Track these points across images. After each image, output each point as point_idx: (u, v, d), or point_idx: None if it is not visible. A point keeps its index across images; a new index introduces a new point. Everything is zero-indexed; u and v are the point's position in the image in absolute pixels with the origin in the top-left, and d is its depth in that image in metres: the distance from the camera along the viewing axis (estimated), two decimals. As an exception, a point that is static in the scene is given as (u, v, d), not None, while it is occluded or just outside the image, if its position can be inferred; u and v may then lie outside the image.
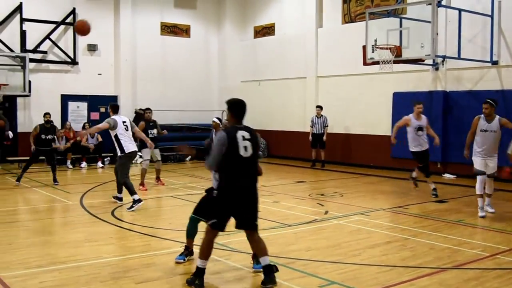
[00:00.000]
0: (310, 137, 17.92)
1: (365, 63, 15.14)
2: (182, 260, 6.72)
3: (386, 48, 14.37)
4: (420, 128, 12.10)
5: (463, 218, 9.66)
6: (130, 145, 10.62)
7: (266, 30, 22.34)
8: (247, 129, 5.85)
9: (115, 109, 10.98)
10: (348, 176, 15.96)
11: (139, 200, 10.22)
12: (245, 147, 5.73)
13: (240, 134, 5.75)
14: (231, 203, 5.79)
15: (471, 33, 14.99)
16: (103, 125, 10.62)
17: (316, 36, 19.82)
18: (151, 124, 14.06)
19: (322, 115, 17.64)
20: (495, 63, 14.79)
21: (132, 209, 10.08)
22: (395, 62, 14.36)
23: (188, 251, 6.83)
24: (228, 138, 5.69)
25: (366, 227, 8.75)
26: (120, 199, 10.89)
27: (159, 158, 14.06)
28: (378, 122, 17.54)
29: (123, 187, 10.70)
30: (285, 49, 21.09)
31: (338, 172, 16.45)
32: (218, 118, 10.91)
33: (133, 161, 12.34)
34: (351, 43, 17.56)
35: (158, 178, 14.00)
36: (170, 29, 22.18)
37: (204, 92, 22.82)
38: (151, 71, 21.41)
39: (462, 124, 15.34)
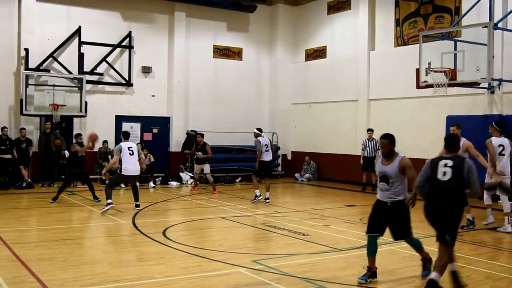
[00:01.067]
0: (362, 160, 17.73)
1: (418, 86, 14.96)
2: (364, 281, 6.71)
3: (441, 72, 14.16)
4: None
5: (522, 247, 9.33)
6: (130, 167, 12.48)
7: (317, 53, 22.35)
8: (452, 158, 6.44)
9: (126, 136, 12.96)
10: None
11: (111, 204, 12.09)
12: (444, 172, 6.29)
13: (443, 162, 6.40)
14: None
15: (528, 56, 14.63)
16: (115, 158, 12.66)
17: (368, 58, 19.70)
18: (199, 147, 16.65)
19: (373, 138, 17.43)
20: (554, 86, 14.36)
21: (105, 209, 11.97)
22: (449, 85, 14.14)
23: (371, 272, 6.83)
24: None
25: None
26: (137, 205, 12.72)
27: (208, 171, 16.78)
28: (431, 146, 17.11)
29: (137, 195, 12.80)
30: (336, 72, 21.03)
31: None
32: (258, 129, 14.89)
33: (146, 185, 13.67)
34: (404, 66, 17.37)
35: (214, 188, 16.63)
36: (222, 52, 22.47)
37: (255, 114, 22.92)
38: (203, 93, 21.69)
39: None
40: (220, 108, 22.01)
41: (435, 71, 14.22)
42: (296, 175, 21.68)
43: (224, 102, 22.15)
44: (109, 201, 12.14)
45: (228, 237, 9.87)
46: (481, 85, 14.84)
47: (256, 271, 7.30)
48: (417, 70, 14.82)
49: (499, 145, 10.75)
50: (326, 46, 21.97)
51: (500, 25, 14.28)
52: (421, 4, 18.08)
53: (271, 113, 23.26)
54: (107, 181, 13.09)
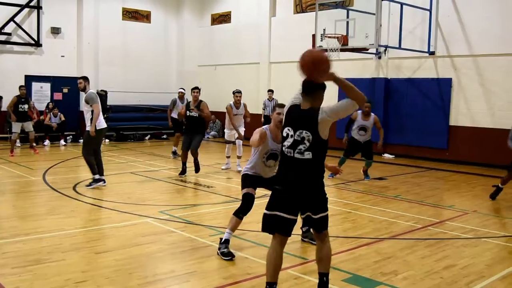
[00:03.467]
0: (262, 119, 17.98)
1: (314, 51, 15.23)
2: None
3: (334, 37, 14.51)
4: (363, 128, 11.19)
5: (400, 194, 9.94)
6: (102, 122, 9.79)
7: (223, 18, 22.21)
8: None
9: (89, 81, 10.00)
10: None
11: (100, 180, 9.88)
12: None
13: None
14: None
15: (411, 26, 15.28)
16: (96, 107, 9.52)
17: (269, 24, 19.84)
18: (23, 100, 14.55)
19: (273, 99, 17.69)
20: (432, 53, 15.14)
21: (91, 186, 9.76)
22: (341, 50, 14.52)
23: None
24: None
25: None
26: (97, 180, 9.83)
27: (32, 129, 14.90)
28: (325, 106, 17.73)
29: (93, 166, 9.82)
30: (240, 36, 21.06)
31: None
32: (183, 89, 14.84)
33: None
34: (302, 31, 17.60)
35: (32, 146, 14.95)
36: (131, 15, 21.77)
37: (163, 75, 22.59)
38: (113, 54, 20.99)
39: (400, 109, 15.76)
40: (130, 69, 21.47)
41: (329, 37, 14.56)
42: (203, 132, 21.66)
43: (134, 64, 21.60)
44: (97, 176, 9.86)
45: (137, 190, 9.78)
46: (369, 51, 15.37)
47: (163, 221, 7.33)
48: (313, 36, 15.11)
49: None
50: (230, 12, 21.86)
51: (387, -4, 14.79)
52: (318, -25, 18.32)
53: (178, 74, 22.97)
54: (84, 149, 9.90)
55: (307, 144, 4.25)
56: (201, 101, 11.31)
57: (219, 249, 5.78)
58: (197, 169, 11.28)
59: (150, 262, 5.61)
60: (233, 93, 12.41)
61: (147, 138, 20.22)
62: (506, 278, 5.41)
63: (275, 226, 4.34)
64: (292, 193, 4.29)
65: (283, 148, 4.39)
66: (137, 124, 20.36)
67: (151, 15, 22.33)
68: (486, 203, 9.39)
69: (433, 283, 5.18)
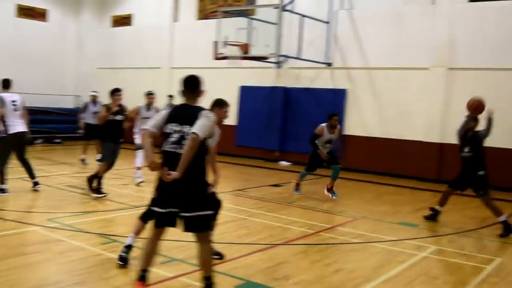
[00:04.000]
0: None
1: (215, 58, 15.28)
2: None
3: (235, 45, 14.62)
4: (329, 141, 10.57)
5: (294, 201, 10.17)
6: (17, 126, 9.36)
7: (124, 20, 21.71)
8: None
9: (5, 85, 9.64)
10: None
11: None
12: None
13: None
14: None
15: (310, 37, 15.72)
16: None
17: (172, 29, 19.67)
18: None
19: (173, 104, 17.51)
20: (329, 64, 15.69)
21: None
22: (242, 58, 14.66)
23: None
24: None
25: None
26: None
27: None
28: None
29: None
30: (142, 40, 20.68)
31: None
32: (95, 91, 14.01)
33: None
34: (205, 38, 17.58)
35: None
36: (26, 12, 20.69)
37: (60, 76, 21.69)
38: (5, 53, 19.80)
39: (298, 117, 16.15)
40: (24, 70, 20.22)
41: (231, 45, 14.66)
42: (102, 137, 21.01)
43: (29, 64, 20.46)
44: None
45: (24, 197, 9.25)
46: (269, 60, 15.63)
47: (50, 229, 6.96)
48: (215, 43, 15.14)
49: None
50: (132, 14, 21.43)
51: (288, 7, 15.11)
52: (221, -18, 18.48)
53: (77, 76, 22.14)
54: None
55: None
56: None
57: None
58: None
59: (34, 274, 5.30)
60: (146, 94, 11.85)
61: (39, 141, 19.26)
62: (390, 280, 5.67)
63: (153, 219, 4.68)
64: (167, 188, 4.43)
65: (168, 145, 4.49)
66: (30, 127, 19.28)
67: (49, 13, 21.36)
68: (375, 208, 9.84)
69: (322, 287, 5.33)
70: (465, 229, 8.44)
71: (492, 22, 13.26)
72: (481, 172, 8.23)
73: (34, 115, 19.73)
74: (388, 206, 10.13)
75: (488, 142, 8.45)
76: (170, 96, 17.90)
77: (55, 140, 19.73)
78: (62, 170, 12.78)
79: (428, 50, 14.11)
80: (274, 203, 9.81)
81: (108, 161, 9.58)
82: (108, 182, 11.15)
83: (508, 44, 13.01)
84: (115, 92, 10.11)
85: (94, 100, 14.42)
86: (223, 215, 8.25)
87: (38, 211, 8.14)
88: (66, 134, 20.18)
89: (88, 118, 14.24)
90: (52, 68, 21.39)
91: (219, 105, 5.60)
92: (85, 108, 14.52)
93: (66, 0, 21.88)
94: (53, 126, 19.49)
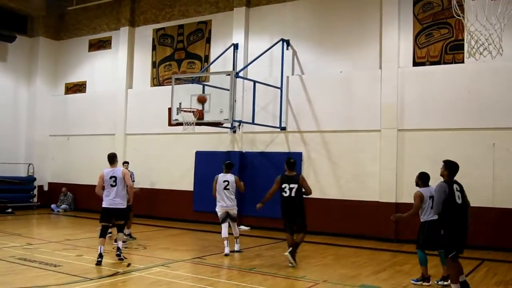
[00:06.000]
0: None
1: (170, 124, 15.23)
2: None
3: (190, 111, 14.64)
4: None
5: (255, 267, 9.96)
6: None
7: (77, 87, 21.60)
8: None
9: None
10: (152, 229, 15.68)
11: None
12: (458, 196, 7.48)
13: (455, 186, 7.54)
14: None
15: (264, 102, 15.99)
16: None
17: (126, 96, 19.65)
18: None
19: (129, 171, 17.22)
20: (283, 129, 15.88)
21: None
22: (197, 124, 14.66)
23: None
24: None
25: (166, 278, 8.53)
26: None
27: None
28: (181, 178, 17.70)
29: None
30: (95, 107, 20.57)
31: (143, 225, 16.05)
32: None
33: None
34: (159, 104, 17.59)
35: None
36: (-26, 78, 20.35)
37: (11, 144, 21.13)
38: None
39: (255, 181, 16.09)
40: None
41: (185, 111, 14.65)
42: (52, 206, 20.37)
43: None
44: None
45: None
46: (224, 125, 15.71)
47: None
48: (169, 109, 15.13)
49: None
50: (86, 81, 21.36)
51: (241, 74, 15.38)
52: (176, 50, 18.73)
53: (28, 143, 21.61)
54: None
55: None
56: None
57: None
58: None
59: None
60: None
61: (9, 210, 18.58)
62: None
63: None
64: None
65: None
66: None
67: (0, 80, 21.05)
68: (335, 272, 9.72)
69: None
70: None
71: (436, 84, 13.82)
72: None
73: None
74: (347, 269, 10.03)
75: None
76: (126, 163, 17.68)
77: (7, 210, 18.97)
78: (12, 242, 12.20)
79: (378, 112, 14.51)
80: (234, 270, 9.57)
81: None
82: (62, 253, 10.73)
83: (452, 106, 13.52)
84: (124, 163, 12.14)
85: None
86: (181, 285, 8.01)
87: (-15, 288, 7.66)
88: (18, 204, 19.56)
89: None
90: (3, 136, 20.86)
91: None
92: None
93: (19, 68, 21.64)
94: (5, 196, 18.83)
